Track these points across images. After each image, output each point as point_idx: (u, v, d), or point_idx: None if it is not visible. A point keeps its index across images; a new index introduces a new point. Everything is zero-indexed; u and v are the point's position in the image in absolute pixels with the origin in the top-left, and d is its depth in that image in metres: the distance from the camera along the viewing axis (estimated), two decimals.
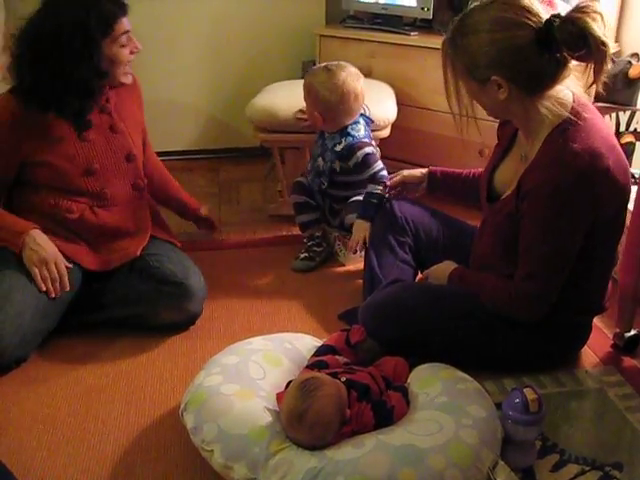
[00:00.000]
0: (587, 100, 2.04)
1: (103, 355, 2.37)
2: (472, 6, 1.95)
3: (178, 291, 2.42)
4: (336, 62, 2.89)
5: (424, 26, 3.65)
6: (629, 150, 3.22)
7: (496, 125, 2.32)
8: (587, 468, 1.88)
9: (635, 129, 3.20)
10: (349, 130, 2.87)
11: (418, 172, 2.62)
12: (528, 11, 1.86)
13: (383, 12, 3.72)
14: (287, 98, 3.29)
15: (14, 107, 2.33)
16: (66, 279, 2.36)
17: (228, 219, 3.45)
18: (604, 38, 1.80)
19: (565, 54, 1.86)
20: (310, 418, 1.77)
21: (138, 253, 2.51)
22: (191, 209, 3.03)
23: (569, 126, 1.94)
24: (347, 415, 1.84)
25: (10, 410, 2.12)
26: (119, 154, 2.54)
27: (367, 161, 2.82)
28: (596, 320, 2.40)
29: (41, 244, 2.33)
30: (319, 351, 2.16)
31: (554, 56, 1.86)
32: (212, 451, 1.79)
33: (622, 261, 2.37)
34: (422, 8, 3.55)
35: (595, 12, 1.80)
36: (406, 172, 2.65)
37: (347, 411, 1.85)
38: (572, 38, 1.81)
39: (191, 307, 2.47)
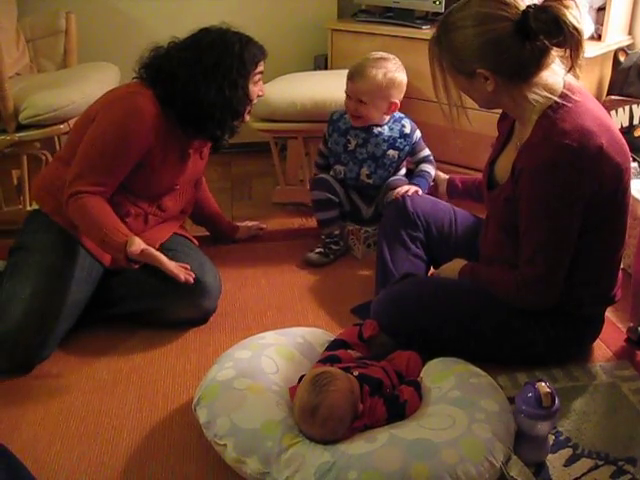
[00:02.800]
0: (581, 87, 2.06)
1: (116, 350, 2.38)
2: (453, 6, 2.01)
3: (193, 287, 2.41)
4: (368, 56, 2.91)
5: (436, 19, 3.64)
6: None
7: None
8: (600, 462, 1.87)
9: None
10: (398, 115, 2.97)
11: (442, 176, 2.79)
12: (505, 4, 1.90)
13: (395, 6, 3.72)
14: (283, 87, 3.37)
15: (159, 110, 2.37)
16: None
17: (240, 213, 3.45)
18: (576, 24, 1.84)
19: (545, 41, 1.89)
20: (323, 412, 1.77)
21: (156, 248, 2.51)
22: (227, 235, 3.12)
23: (559, 108, 1.96)
24: (360, 409, 1.85)
25: (24, 404, 2.13)
26: (194, 178, 2.66)
27: (421, 142, 2.96)
28: (609, 314, 2.40)
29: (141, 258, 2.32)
30: (332, 345, 2.16)
31: (535, 44, 1.90)
32: (225, 445, 1.80)
33: (636, 254, 2.36)
34: (434, 1, 3.55)
35: (566, 0, 1.85)
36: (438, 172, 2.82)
37: (360, 405, 1.85)
38: (547, 26, 1.86)
39: (206, 304, 2.48)
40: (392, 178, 2.93)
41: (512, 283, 2.10)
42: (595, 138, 1.92)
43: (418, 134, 2.95)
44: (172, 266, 2.33)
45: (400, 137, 2.92)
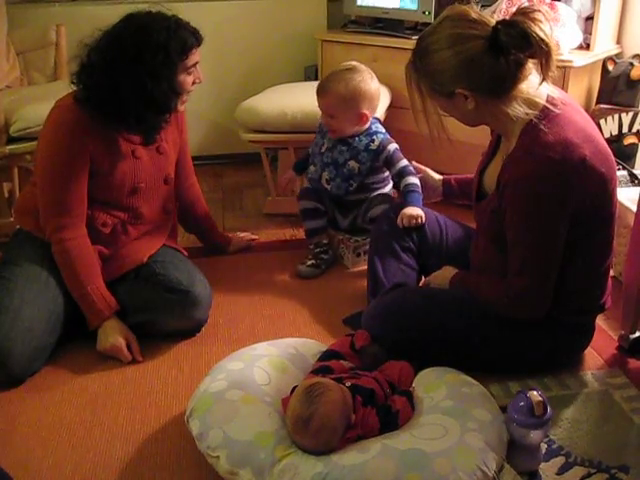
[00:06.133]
0: (566, 97, 2.07)
1: (108, 362, 2.37)
2: (425, 30, 2.04)
3: (184, 299, 2.41)
4: (339, 67, 2.89)
5: None
6: (632, 151, 3.22)
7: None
8: (593, 471, 1.87)
9: (638, 130, 3.21)
10: (375, 129, 2.89)
11: (436, 176, 2.73)
12: (476, 22, 1.93)
13: (384, 16, 3.74)
14: (273, 98, 3.41)
15: (78, 116, 2.33)
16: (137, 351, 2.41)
17: (231, 224, 3.45)
18: (544, 37, 1.86)
19: (518, 54, 1.91)
20: (316, 423, 1.77)
21: (145, 260, 2.52)
22: (220, 246, 3.11)
23: (541, 120, 1.96)
24: (352, 420, 1.84)
25: (16, 418, 2.12)
26: (160, 175, 2.59)
27: (396, 156, 2.84)
28: (601, 322, 2.41)
29: (108, 339, 2.38)
30: (324, 356, 2.16)
31: (509, 58, 1.91)
32: (218, 457, 1.80)
33: (626, 262, 2.37)
34: (423, 12, 3.57)
35: (534, 13, 1.88)
36: (428, 171, 2.76)
37: (352, 416, 1.85)
38: (516, 40, 1.88)
39: (197, 315, 2.48)
40: (376, 193, 2.92)
41: (502, 293, 2.10)
42: (578, 150, 1.93)
43: (392, 147, 2.86)
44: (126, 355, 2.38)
45: (364, 151, 2.85)
